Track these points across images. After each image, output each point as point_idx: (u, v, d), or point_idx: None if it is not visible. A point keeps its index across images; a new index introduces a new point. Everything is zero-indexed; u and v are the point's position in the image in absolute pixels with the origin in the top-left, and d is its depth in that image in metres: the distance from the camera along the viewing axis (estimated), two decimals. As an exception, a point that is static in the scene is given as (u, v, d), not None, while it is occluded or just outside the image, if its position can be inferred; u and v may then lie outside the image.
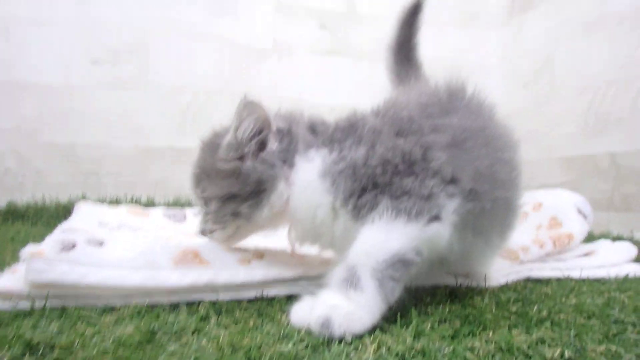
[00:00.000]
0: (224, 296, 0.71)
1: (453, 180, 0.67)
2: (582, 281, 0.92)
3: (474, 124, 0.73)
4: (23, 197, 1.79)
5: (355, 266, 0.60)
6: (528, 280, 0.93)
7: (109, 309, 0.63)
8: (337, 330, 0.55)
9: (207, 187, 0.76)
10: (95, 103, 1.93)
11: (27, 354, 0.46)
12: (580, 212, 1.15)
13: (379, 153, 0.67)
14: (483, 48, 2.34)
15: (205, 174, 0.77)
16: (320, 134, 0.74)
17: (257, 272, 0.76)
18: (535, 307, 0.70)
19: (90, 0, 1.92)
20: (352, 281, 0.59)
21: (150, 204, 1.80)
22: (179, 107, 2.01)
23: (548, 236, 1.07)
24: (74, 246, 0.68)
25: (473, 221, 0.70)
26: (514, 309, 0.69)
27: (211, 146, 0.77)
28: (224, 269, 0.74)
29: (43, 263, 0.63)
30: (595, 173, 1.68)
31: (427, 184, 0.64)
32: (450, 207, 0.65)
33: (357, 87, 2.10)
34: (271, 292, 0.75)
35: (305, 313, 0.59)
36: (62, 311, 0.61)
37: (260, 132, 0.73)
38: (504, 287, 0.85)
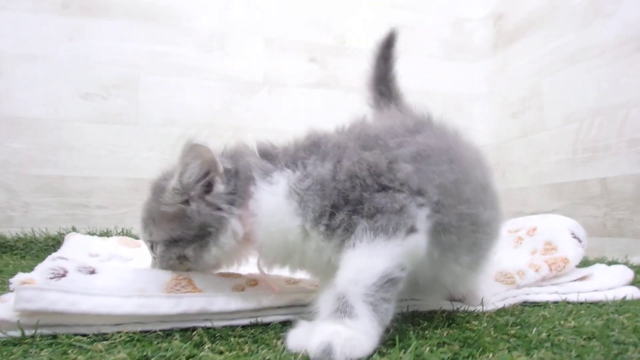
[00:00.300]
0: (218, 323, 0.70)
1: (420, 192, 0.66)
2: (580, 304, 0.91)
3: (437, 143, 0.73)
4: (11, 231, 1.76)
5: (345, 295, 0.59)
6: (525, 304, 0.92)
7: (100, 337, 0.61)
8: (339, 356, 0.53)
9: (153, 231, 0.76)
10: (84, 137, 1.94)
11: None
12: (574, 236, 1.15)
13: (345, 167, 0.66)
14: (470, 80, 2.39)
15: (151, 218, 0.76)
16: (279, 156, 0.73)
17: (250, 300, 0.74)
18: (534, 330, 0.69)
19: (81, 35, 1.95)
20: (345, 310, 0.58)
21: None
22: (169, 141, 2.01)
23: (543, 260, 1.06)
24: (64, 274, 0.66)
25: (439, 236, 0.68)
26: (512, 331, 0.68)
27: (157, 189, 0.76)
28: (217, 297, 0.72)
29: (32, 291, 0.62)
30: (587, 199, 1.69)
31: (397, 198, 0.64)
32: (422, 215, 0.65)
33: (347, 118, 2.13)
34: (266, 318, 0.74)
35: (302, 339, 0.58)
36: (53, 339, 0.59)
37: (206, 174, 0.72)
38: (501, 311, 0.84)
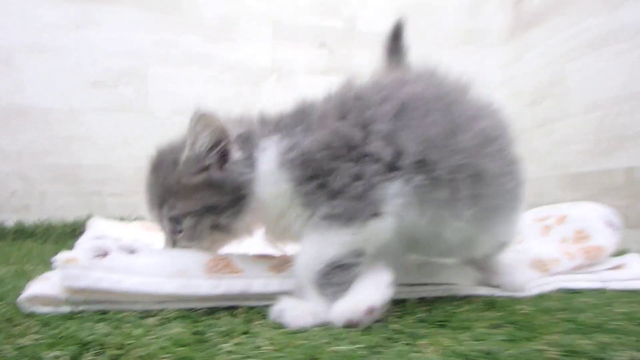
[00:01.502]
0: (258, 302, 0.69)
1: (396, 156, 0.64)
2: (619, 292, 0.89)
3: (430, 91, 0.70)
4: (29, 218, 1.76)
5: (298, 277, 0.65)
6: (560, 291, 0.91)
7: (145, 313, 0.61)
8: (287, 319, 0.59)
9: (177, 204, 0.73)
10: (96, 127, 1.92)
11: (83, 353, 0.44)
12: (609, 224, 1.13)
13: (320, 137, 0.66)
14: (485, 67, 2.34)
15: (169, 192, 0.74)
16: (269, 122, 0.74)
17: (287, 282, 0.73)
18: (583, 315, 0.67)
19: (88, 23, 1.93)
20: (299, 292, 0.64)
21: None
22: (179, 129, 1.98)
23: (577, 249, 1.05)
24: (106, 253, 0.66)
25: (429, 193, 0.65)
26: (561, 316, 0.67)
27: (167, 163, 0.75)
28: (256, 278, 0.71)
29: (77, 269, 0.61)
30: (608, 190, 1.67)
31: (366, 171, 0.62)
32: (392, 192, 0.63)
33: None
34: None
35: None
36: (102, 314, 0.59)
37: (218, 143, 0.71)
38: (541, 298, 0.83)
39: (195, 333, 0.52)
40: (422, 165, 0.64)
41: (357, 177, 0.62)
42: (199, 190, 0.71)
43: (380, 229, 0.64)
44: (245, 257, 0.76)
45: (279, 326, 0.58)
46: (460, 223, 0.69)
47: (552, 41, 2.01)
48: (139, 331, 0.51)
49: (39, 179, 1.86)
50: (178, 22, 2.03)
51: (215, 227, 0.73)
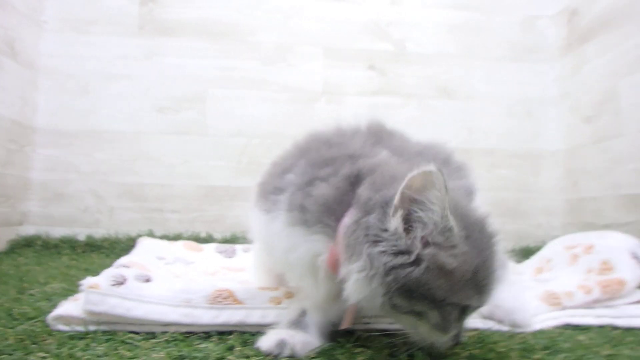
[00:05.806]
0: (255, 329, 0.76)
1: None
2: (628, 330, 0.87)
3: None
4: (99, 232, 1.98)
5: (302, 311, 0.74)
6: (568, 326, 0.90)
7: (150, 335, 0.71)
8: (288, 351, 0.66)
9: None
10: (160, 148, 2.12)
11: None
12: (635, 256, 1.10)
13: None
14: (540, 82, 2.29)
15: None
16: None
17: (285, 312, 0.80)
18: (562, 356, 0.68)
19: (155, 54, 2.14)
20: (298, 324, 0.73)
21: (209, 239, 1.92)
22: (235, 150, 2.15)
23: (597, 282, 1.02)
24: (123, 282, 0.77)
25: None
26: (537, 356, 0.68)
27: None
28: (255, 309, 0.79)
29: (97, 295, 0.73)
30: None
31: None
32: None
33: (407, 124, 2.14)
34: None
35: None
36: (111, 335, 0.70)
37: None
38: (537, 333, 0.83)
39: (175, 358, 0.60)
40: None
41: None
42: None
43: None
44: (249, 290, 0.83)
45: (255, 354, 0.65)
46: None
47: (607, 56, 1.93)
48: (129, 354, 0.61)
49: (109, 196, 2.08)
50: (235, 49, 2.19)
51: None
